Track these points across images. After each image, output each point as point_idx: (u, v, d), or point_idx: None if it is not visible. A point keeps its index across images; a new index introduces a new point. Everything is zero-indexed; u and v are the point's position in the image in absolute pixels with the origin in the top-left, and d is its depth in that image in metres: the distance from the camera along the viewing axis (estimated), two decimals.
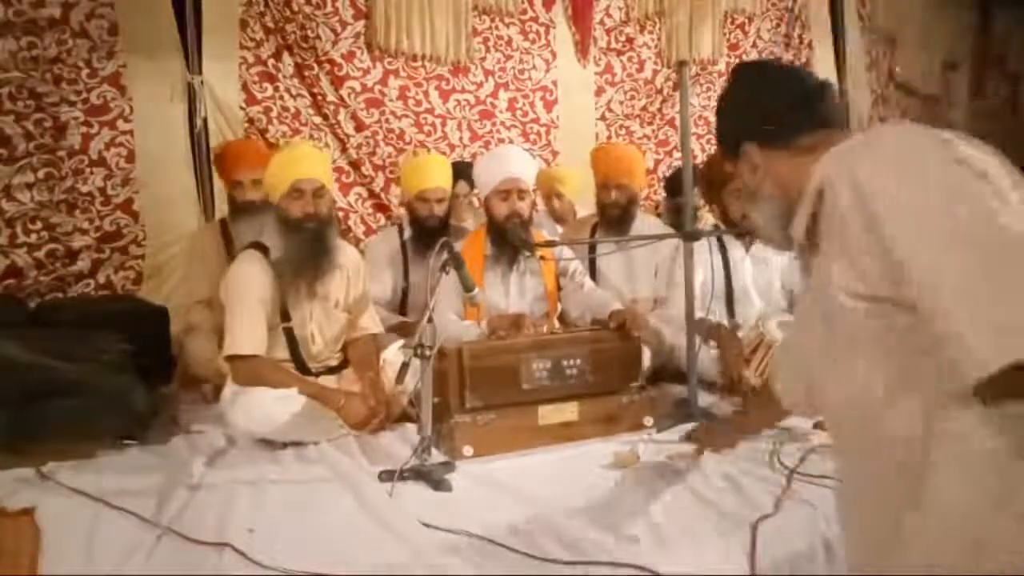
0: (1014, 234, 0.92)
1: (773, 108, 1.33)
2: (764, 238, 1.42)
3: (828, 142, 1.21)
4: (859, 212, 1.03)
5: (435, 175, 3.46)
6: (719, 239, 3.14)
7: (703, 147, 5.49)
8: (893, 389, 1.07)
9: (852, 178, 1.05)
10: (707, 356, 2.88)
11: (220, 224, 3.51)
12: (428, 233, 3.36)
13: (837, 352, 1.14)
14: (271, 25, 4.21)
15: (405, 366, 2.23)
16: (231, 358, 2.56)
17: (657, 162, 5.32)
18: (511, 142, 4.84)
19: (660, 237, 3.15)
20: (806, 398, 1.65)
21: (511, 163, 2.98)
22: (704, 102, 5.44)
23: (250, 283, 2.59)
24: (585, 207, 4.32)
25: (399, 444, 2.45)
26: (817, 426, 2.33)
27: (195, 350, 3.12)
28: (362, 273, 2.90)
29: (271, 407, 2.45)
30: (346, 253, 2.82)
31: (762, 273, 3.14)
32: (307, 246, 2.61)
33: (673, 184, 4.07)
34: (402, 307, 3.56)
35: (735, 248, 3.16)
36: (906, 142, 1.07)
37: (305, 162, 2.64)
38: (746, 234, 3.09)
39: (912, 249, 0.98)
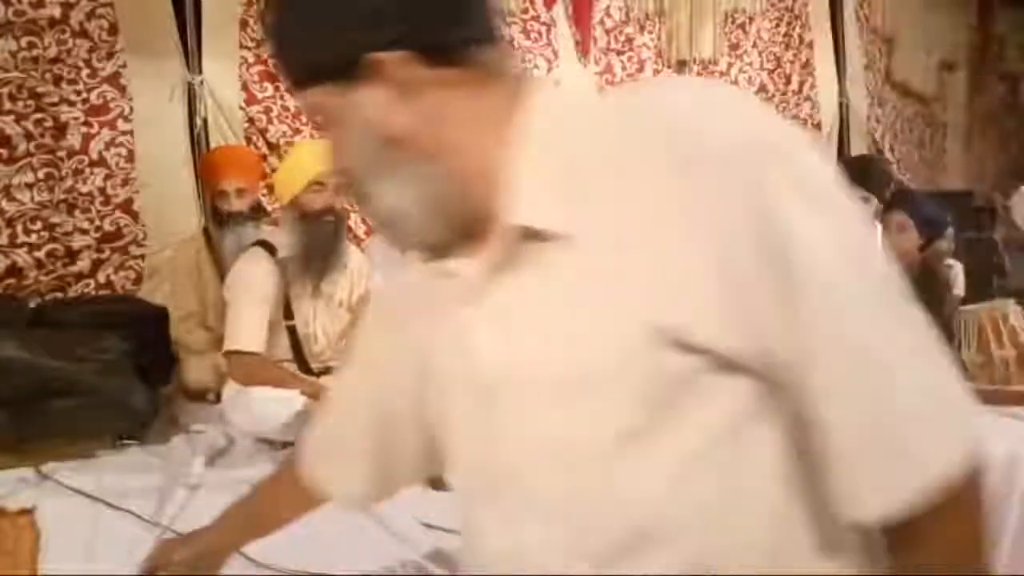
0: None
1: None
2: (400, 235, 0.84)
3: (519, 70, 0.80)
4: None
5: None
6: None
7: None
8: None
9: None
10: None
11: (203, 233, 3.36)
12: None
13: None
14: None
15: None
16: (229, 354, 2.56)
17: None
18: None
19: None
20: None
21: None
22: None
23: (253, 280, 2.60)
24: None
25: None
26: None
27: (193, 372, 3.06)
28: (366, 273, 2.90)
29: (271, 407, 2.44)
30: (351, 253, 2.83)
31: None
32: (324, 240, 2.61)
33: None
34: None
35: None
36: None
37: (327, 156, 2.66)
38: None
39: None
